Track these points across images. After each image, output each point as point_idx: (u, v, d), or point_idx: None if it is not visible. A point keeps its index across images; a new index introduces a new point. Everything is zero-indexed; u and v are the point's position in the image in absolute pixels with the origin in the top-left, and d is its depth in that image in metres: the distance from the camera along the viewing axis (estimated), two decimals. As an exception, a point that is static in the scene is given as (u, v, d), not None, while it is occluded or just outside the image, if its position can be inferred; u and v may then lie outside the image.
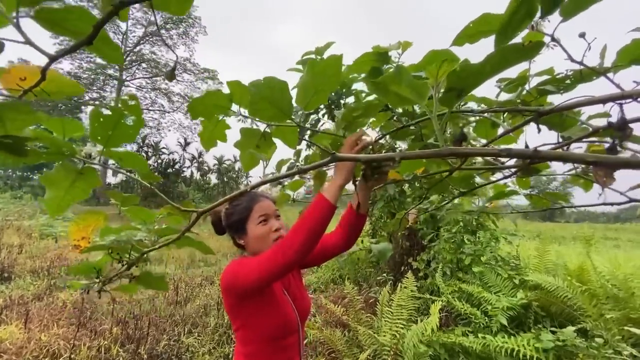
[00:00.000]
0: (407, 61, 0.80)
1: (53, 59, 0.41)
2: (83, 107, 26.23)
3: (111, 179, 26.31)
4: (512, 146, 0.92)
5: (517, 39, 0.49)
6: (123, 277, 0.60)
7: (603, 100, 0.58)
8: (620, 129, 0.55)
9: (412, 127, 0.90)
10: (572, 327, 2.14)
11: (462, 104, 0.91)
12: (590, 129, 0.67)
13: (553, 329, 2.33)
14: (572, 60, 0.66)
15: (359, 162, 0.83)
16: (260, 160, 1.07)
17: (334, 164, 0.87)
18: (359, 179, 0.92)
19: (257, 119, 0.70)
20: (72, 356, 2.55)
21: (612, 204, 0.93)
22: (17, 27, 0.40)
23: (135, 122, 0.51)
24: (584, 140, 0.69)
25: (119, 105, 0.50)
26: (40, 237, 7.82)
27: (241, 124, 0.79)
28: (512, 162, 0.88)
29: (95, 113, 0.49)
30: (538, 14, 0.47)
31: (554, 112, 0.65)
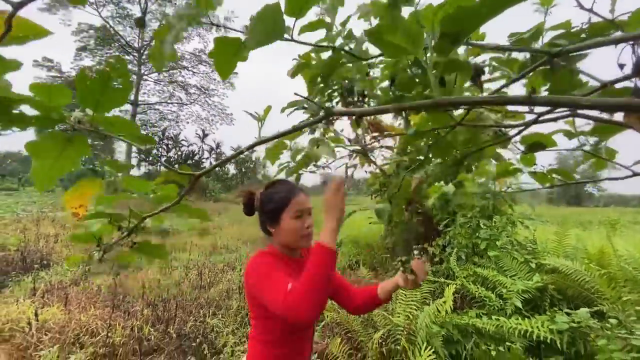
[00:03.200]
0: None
1: (17, 6, 0.40)
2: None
3: (135, 172, 27.27)
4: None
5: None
6: (123, 245, 0.58)
7: (615, 42, 0.56)
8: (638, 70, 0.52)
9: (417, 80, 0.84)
10: (586, 309, 2.14)
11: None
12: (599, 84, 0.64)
13: (569, 311, 2.33)
14: (582, 8, 0.66)
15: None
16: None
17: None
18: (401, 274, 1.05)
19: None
20: (109, 334, 2.77)
21: (615, 179, 0.94)
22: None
23: (124, 85, 0.48)
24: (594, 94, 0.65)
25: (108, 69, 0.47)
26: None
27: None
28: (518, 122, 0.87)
29: (81, 77, 0.46)
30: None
31: (565, 54, 0.60)
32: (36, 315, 2.91)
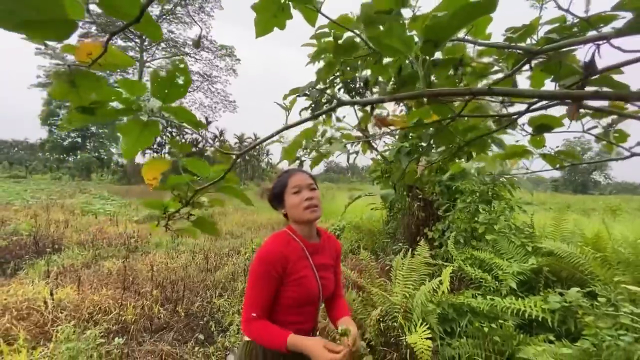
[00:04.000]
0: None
1: (112, 35, 0.50)
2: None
3: (139, 158, 27.46)
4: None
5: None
6: (182, 215, 0.69)
7: (583, 41, 0.65)
8: (587, 67, 0.60)
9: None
10: (576, 288, 2.22)
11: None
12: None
13: (562, 291, 2.41)
14: (560, 8, 0.72)
15: None
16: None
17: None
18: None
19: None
20: (121, 313, 2.92)
21: (616, 159, 0.99)
22: (87, 11, 0.48)
23: (185, 81, 0.59)
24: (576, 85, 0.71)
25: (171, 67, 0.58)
26: (82, 213, 8.51)
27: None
28: (514, 109, 0.91)
29: (154, 75, 0.57)
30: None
31: (543, 52, 0.70)
32: (52, 294, 3.05)
